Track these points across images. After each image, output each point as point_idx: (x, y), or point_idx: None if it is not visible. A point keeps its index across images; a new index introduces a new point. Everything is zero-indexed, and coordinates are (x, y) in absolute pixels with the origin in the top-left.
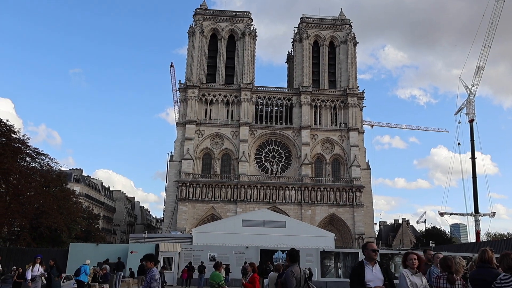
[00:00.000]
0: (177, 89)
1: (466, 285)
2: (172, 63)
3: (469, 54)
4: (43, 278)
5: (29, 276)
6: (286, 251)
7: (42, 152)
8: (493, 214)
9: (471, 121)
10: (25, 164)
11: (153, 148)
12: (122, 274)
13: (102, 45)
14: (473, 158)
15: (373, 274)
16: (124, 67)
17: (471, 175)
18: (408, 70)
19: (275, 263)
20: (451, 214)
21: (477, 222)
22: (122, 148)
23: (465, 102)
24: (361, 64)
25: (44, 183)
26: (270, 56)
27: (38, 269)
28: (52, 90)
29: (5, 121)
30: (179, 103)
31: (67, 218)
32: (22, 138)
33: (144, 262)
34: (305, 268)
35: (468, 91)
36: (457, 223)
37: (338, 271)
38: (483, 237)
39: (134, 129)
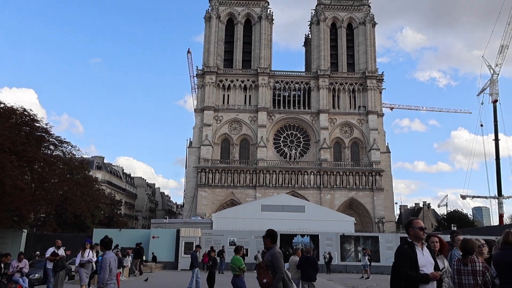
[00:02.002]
0: (195, 75)
1: (489, 267)
2: (189, 49)
3: (492, 33)
4: (93, 263)
5: (78, 262)
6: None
7: (65, 140)
8: None
9: (495, 101)
10: (49, 152)
11: (172, 135)
12: (141, 260)
13: (121, 36)
14: (496, 139)
15: (424, 257)
16: (143, 56)
17: (494, 157)
18: (427, 52)
19: (294, 247)
20: (473, 197)
21: (500, 205)
22: (142, 135)
23: (488, 82)
24: (379, 47)
25: (67, 171)
26: (287, 40)
27: (88, 254)
28: (74, 80)
29: (29, 111)
30: (196, 90)
31: (90, 205)
32: (45, 127)
33: (97, 247)
34: (325, 252)
35: (492, 71)
36: (480, 206)
37: (358, 255)
38: (506, 220)
39: (153, 116)
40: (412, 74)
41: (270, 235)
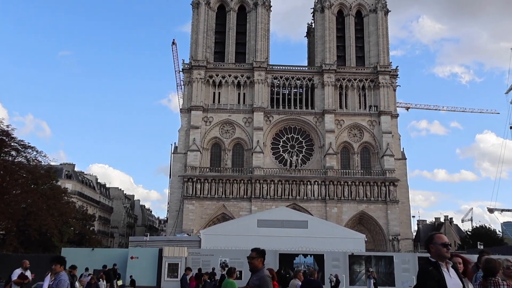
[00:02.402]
0: (180, 70)
1: None
2: (174, 40)
3: None
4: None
5: (45, 286)
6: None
7: (29, 145)
8: None
9: None
10: (10, 158)
11: (154, 139)
12: (110, 284)
13: (93, 23)
14: None
15: (452, 279)
16: (119, 48)
17: None
18: (448, 44)
19: (295, 269)
20: (502, 210)
21: None
22: (119, 139)
23: None
24: (392, 38)
25: (31, 180)
26: (286, 31)
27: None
28: (39, 75)
29: None
30: (182, 87)
31: (58, 220)
32: (6, 129)
33: (54, 266)
34: (331, 274)
35: None
36: (510, 221)
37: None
38: None
39: (132, 118)
40: (431, 69)
41: (261, 254)
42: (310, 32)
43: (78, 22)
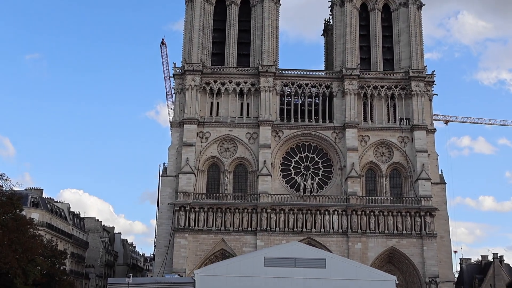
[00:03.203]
0: (171, 75)
1: None
2: (163, 39)
3: None
4: None
5: None
6: None
7: None
8: None
9: None
10: None
11: (139, 160)
12: None
13: (66, 22)
14: None
15: None
16: (96, 49)
17: None
18: (493, 45)
19: None
20: None
21: None
22: (96, 160)
23: None
24: (427, 38)
25: None
26: (299, 28)
27: None
28: (1, 82)
29: None
30: (173, 96)
31: (22, 257)
32: None
33: None
34: None
35: None
36: None
37: None
38: None
39: (112, 133)
40: (473, 75)
41: None
42: (327, 30)
43: (45, 19)
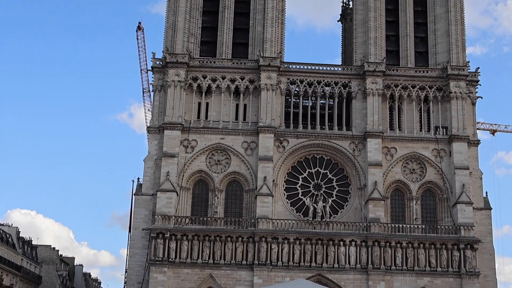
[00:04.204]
0: (149, 68)
1: None
2: (140, 23)
3: None
4: None
5: None
6: None
7: None
8: None
9: None
10: None
11: (107, 174)
12: None
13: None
14: None
15: None
16: (54, 35)
17: None
18: None
19: None
20: None
21: None
22: (53, 174)
23: None
24: (469, 28)
25: None
26: (310, 14)
27: None
28: None
29: None
30: (152, 94)
31: None
32: None
33: None
34: None
35: None
36: None
37: None
38: None
39: (73, 142)
40: None
41: None
42: (346, 15)
43: None
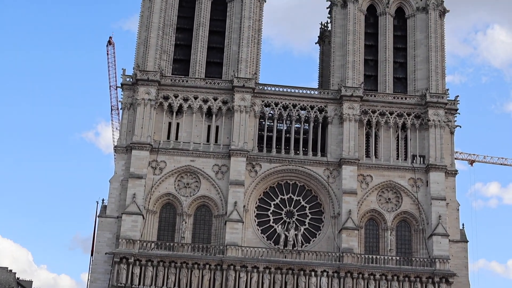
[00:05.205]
0: (119, 85)
1: None
2: (111, 37)
3: None
4: None
5: None
6: None
7: None
8: None
9: None
10: None
11: (70, 194)
12: None
13: None
14: None
15: None
16: (20, 47)
17: None
18: None
19: None
20: None
21: None
22: (13, 193)
23: None
24: (448, 56)
25: None
26: (287, 35)
27: None
28: None
29: None
30: (120, 112)
31: None
32: None
33: None
34: None
35: None
36: None
37: None
38: None
39: (35, 160)
40: (504, 106)
41: None
42: (324, 38)
43: None
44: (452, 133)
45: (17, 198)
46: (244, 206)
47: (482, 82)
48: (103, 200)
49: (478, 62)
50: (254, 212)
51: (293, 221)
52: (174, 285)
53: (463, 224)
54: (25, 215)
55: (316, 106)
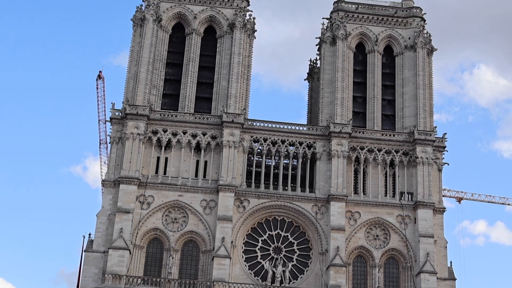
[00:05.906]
0: (108, 119)
1: None
2: (100, 72)
3: None
4: None
5: None
6: None
7: None
8: None
9: None
10: None
11: (56, 228)
12: None
13: None
14: None
15: None
16: (11, 77)
17: None
18: None
19: None
20: None
21: None
22: None
23: None
24: (435, 95)
25: None
26: (277, 73)
27: None
28: None
29: None
30: (109, 146)
31: None
32: None
33: None
34: None
35: None
36: None
37: None
38: None
39: (21, 193)
40: (491, 144)
41: None
42: (313, 74)
43: None
44: (440, 170)
45: (2, 232)
46: (231, 242)
47: (468, 121)
48: (89, 234)
49: (465, 101)
50: (242, 248)
51: (281, 257)
52: None
53: (451, 262)
54: (10, 248)
55: (305, 142)
